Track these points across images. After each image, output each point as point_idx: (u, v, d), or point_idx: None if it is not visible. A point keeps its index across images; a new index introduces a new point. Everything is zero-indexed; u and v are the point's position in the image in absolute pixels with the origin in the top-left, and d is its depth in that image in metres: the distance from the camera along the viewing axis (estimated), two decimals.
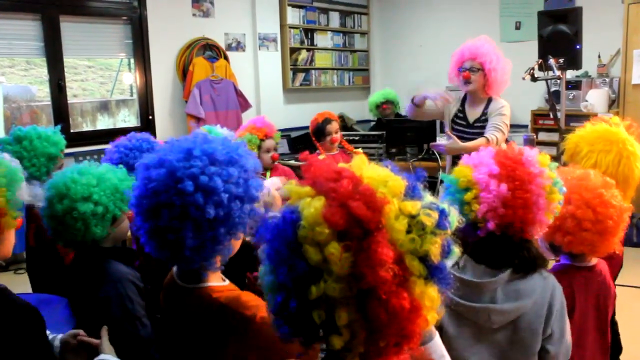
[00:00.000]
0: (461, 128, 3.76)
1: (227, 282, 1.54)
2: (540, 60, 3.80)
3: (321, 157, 4.07)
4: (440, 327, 1.62)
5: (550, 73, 3.88)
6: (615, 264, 2.19)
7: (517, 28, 6.66)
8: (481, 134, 3.62)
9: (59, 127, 2.95)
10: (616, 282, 2.17)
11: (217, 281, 1.50)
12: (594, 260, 1.87)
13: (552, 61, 3.74)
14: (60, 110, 5.29)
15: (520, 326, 1.57)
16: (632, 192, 2.22)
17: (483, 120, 3.67)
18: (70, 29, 5.29)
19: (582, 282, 1.82)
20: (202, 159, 1.36)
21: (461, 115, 3.80)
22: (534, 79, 3.81)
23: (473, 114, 3.74)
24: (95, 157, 5.04)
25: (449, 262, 1.68)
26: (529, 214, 1.52)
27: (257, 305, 1.38)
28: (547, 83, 3.95)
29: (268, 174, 3.72)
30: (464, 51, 3.63)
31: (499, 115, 3.59)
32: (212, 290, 1.45)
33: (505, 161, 1.56)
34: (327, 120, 4.10)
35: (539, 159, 1.58)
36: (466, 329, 1.61)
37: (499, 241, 1.56)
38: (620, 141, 2.17)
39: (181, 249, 1.35)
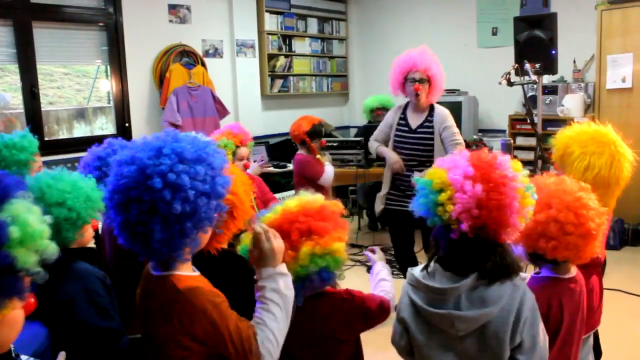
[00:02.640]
0: (403, 134, 3.90)
1: (197, 273, 1.60)
2: (517, 65, 3.83)
3: (318, 156, 4.31)
4: (409, 335, 1.66)
5: (527, 78, 3.91)
6: (597, 266, 2.19)
7: (494, 34, 6.72)
8: (423, 139, 3.81)
9: (27, 129, 2.93)
10: None
11: (186, 271, 1.57)
12: (573, 271, 1.86)
13: (527, 66, 3.79)
14: (34, 117, 5.18)
15: (487, 334, 1.55)
16: (619, 192, 2.23)
17: (426, 126, 3.84)
18: (44, 35, 5.19)
19: (569, 294, 1.81)
20: (171, 157, 1.45)
21: (403, 122, 3.93)
22: (510, 83, 3.85)
23: (415, 120, 3.89)
24: (69, 165, 4.95)
25: (418, 267, 1.68)
26: (503, 216, 1.52)
27: (214, 299, 1.48)
28: (523, 88, 3.99)
29: None
30: (415, 62, 3.73)
31: (450, 127, 3.77)
32: (177, 279, 1.53)
33: (480, 163, 1.57)
34: (322, 124, 4.30)
35: (512, 164, 1.59)
36: (435, 337, 1.61)
37: (471, 245, 1.56)
38: (611, 142, 2.18)
39: (150, 241, 1.44)
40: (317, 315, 1.77)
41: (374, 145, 4.09)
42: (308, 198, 1.80)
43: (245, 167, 3.65)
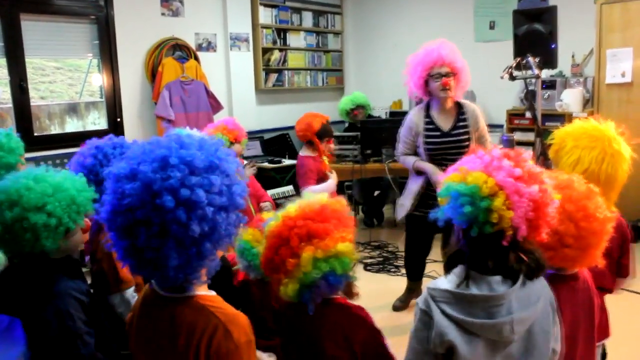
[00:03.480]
0: (436, 140, 3.57)
1: (214, 293, 1.45)
2: (519, 59, 3.73)
3: (325, 158, 4.20)
4: (451, 348, 1.47)
5: (529, 72, 3.81)
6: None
7: (492, 28, 6.63)
8: (460, 142, 3.54)
9: (10, 129, 2.71)
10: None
11: (204, 291, 1.42)
12: (575, 269, 1.77)
13: (530, 59, 3.68)
14: (23, 112, 5.07)
15: (535, 330, 1.48)
16: (615, 194, 2.14)
17: (460, 126, 3.56)
18: (32, 28, 5.07)
19: (569, 292, 1.72)
20: (181, 168, 1.26)
21: (431, 126, 3.60)
22: (512, 77, 3.75)
23: (446, 121, 3.59)
24: (58, 161, 4.86)
25: (452, 282, 1.54)
26: (547, 215, 1.44)
27: (249, 337, 1.34)
28: (525, 82, 3.89)
29: None
30: (440, 54, 3.44)
31: (484, 126, 3.59)
32: (204, 299, 1.37)
33: (520, 162, 1.46)
34: (329, 122, 4.20)
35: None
36: (479, 347, 1.46)
37: (515, 247, 1.45)
38: (605, 138, 2.09)
39: (162, 268, 1.26)
40: (323, 322, 1.65)
41: (408, 160, 3.70)
42: (308, 200, 1.68)
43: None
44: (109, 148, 2.35)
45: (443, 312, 1.47)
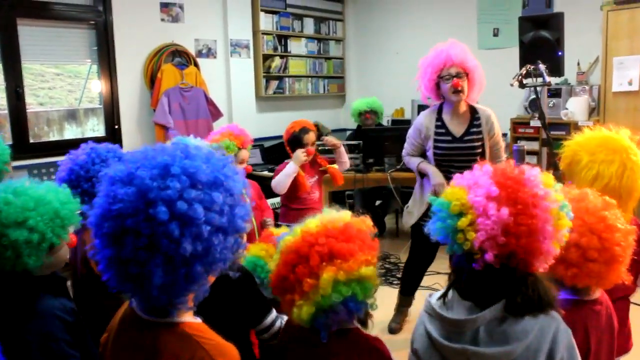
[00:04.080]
0: (447, 145, 3.44)
1: (200, 320, 1.31)
2: (529, 66, 3.63)
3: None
4: (415, 354, 1.48)
5: (538, 79, 3.70)
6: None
7: (495, 35, 6.54)
8: (472, 149, 3.41)
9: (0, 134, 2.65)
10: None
11: (189, 318, 1.28)
12: (597, 292, 1.67)
13: (542, 66, 3.57)
14: (19, 118, 4.98)
15: None
16: (634, 203, 2.04)
17: (473, 132, 3.42)
18: (29, 34, 4.98)
19: (594, 317, 1.61)
20: (182, 179, 1.15)
21: (442, 130, 3.47)
22: (522, 85, 3.64)
23: (458, 126, 3.45)
24: (52, 169, 4.76)
25: (435, 295, 1.49)
26: (534, 243, 1.31)
27: None
28: (535, 90, 3.77)
29: None
30: (449, 54, 3.32)
31: (499, 132, 3.47)
32: (190, 327, 1.24)
33: (506, 181, 1.35)
34: (305, 130, 3.81)
35: (542, 178, 1.38)
36: None
37: (497, 275, 1.35)
38: (623, 150, 1.98)
39: (146, 285, 1.14)
40: (337, 354, 1.50)
41: (412, 161, 3.61)
42: (331, 216, 1.54)
43: (247, 170, 3.41)
44: (103, 150, 2.32)
45: (423, 323, 1.48)
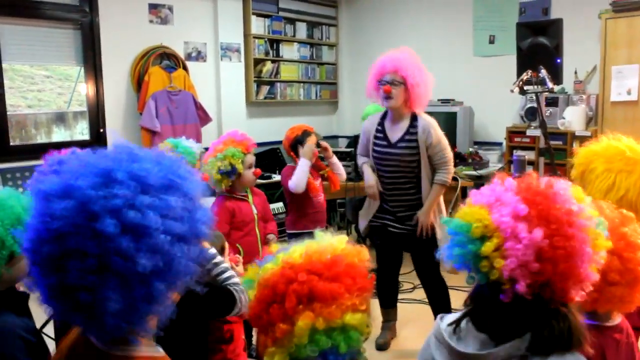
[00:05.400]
0: (382, 149, 3.48)
1: (161, 351, 1.15)
2: (531, 72, 3.51)
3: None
4: None
5: (539, 87, 3.58)
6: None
7: (491, 42, 6.43)
8: (405, 155, 3.41)
9: None
10: None
11: (149, 348, 1.11)
12: (617, 317, 1.52)
13: (544, 72, 3.45)
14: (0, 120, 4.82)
15: None
16: None
17: (407, 140, 3.41)
18: (10, 33, 4.82)
19: (613, 346, 1.46)
20: (130, 185, 1.00)
21: (381, 135, 3.51)
22: (522, 91, 3.53)
23: (395, 132, 3.47)
24: (27, 174, 4.59)
25: (445, 320, 1.32)
26: (573, 269, 1.13)
27: None
28: (537, 97, 3.66)
29: (249, 193, 3.37)
30: (385, 63, 3.40)
31: (438, 144, 3.39)
32: None
33: (534, 197, 1.16)
34: (307, 133, 3.81)
35: (573, 192, 1.20)
36: None
37: (526, 307, 1.15)
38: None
39: (99, 313, 0.97)
40: None
41: (359, 161, 3.72)
42: (319, 245, 1.28)
43: (256, 174, 3.31)
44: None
45: (430, 347, 1.33)
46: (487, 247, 1.14)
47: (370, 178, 3.52)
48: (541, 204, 1.15)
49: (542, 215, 1.14)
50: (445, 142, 3.45)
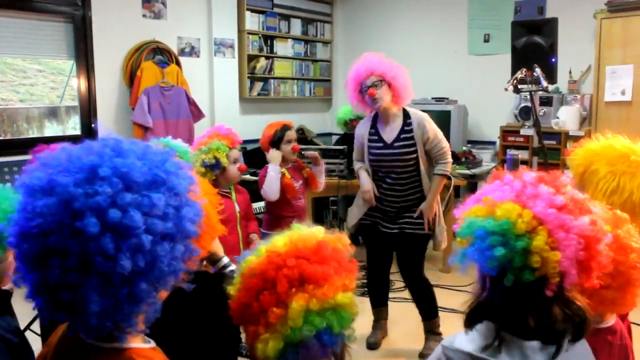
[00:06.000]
0: (379, 151, 3.47)
1: (153, 344, 1.13)
2: (525, 70, 3.48)
3: (283, 170, 3.66)
4: None
5: (534, 86, 3.55)
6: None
7: (486, 41, 6.42)
8: (403, 154, 3.39)
9: None
10: None
11: (139, 342, 1.10)
12: (611, 319, 1.50)
13: (538, 70, 3.43)
14: None
15: None
16: None
17: (404, 138, 3.40)
18: (2, 26, 4.76)
19: (606, 348, 1.44)
20: (113, 182, 0.97)
21: (375, 137, 3.50)
22: (517, 90, 3.50)
23: (390, 132, 3.46)
24: (16, 169, 4.55)
25: (474, 343, 1.18)
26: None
27: None
28: (531, 96, 3.64)
29: (232, 190, 3.31)
30: (359, 71, 3.40)
31: (435, 137, 3.39)
32: (138, 354, 1.06)
33: (561, 188, 1.18)
34: (286, 127, 3.71)
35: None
36: None
37: (556, 301, 1.15)
38: None
39: (83, 312, 0.97)
40: None
41: (355, 166, 3.69)
42: (301, 233, 1.31)
43: (241, 170, 3.25)
44: None
45: None
46: (539, 241, 1.11)
47: (366, 182, 3.51)
48: (568, 194, 1.17)
49: (576, 204, 1.15)
50: (440, 134, 3.45)
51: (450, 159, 3.48)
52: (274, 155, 3.61)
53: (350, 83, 3.47)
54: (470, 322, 1.23)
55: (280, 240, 1.28)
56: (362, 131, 3.58)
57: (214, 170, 3.12)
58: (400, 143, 3.40)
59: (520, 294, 1.15)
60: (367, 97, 3.36)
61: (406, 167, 3.42)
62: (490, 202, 1.20)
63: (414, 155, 3.39)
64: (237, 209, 3.28)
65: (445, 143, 3.45)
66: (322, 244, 1.27)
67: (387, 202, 3.50)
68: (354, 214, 3.66)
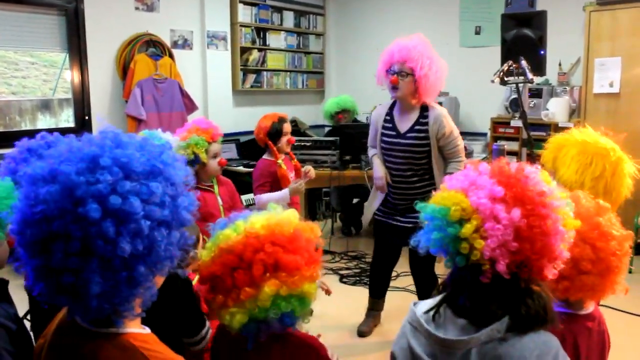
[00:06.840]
0: (390, 139, 3.39)
1: (148, 330, 1.18)
2: (512, 62, 3.53)
3: (279, 161, 3.71)
4: None
5: (521, 77, 3.61)
6: None
7: (477, 33, 6.47)
8: (414, 146, 3.32)
9: None
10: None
11: (136, 327, 1.16)
12: (590, 306, 1.54)
13: (524, 63, 3.47)
14: None
15: None
16: (615, 208, 1.95)
17: (417, 130, 3.32)
18: None
19: (585, 334, 1.48)
20: (113, 171, 1.03)
21: (389, 125, 3.42)
22: (503, 82, 3.54)
23: (404, 122, 3.38)
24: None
25: (422, 305, 1.33)
26: (548, 246, 1.18)
27: None
28: (517, 88, 3.67)
29: (215, 182, 3.33)
30: (394, 52, 3.28)
31: (450, 134, 3.30)
32: (135, 339, 1.11)
33: (508, 180, 1.21)
34: (283, 120, 3.72)
35: (541, 176, 1.25)
36: None
37: (503, 288, 1.20)
38: (611, 149, 1.93)
39: (83, 295, 1.02)
40: (269, 356, 1.44)
41: (370, 152, 3.62)
42: (278, 217, 1.43)
43: (221, 164, 3.24)
44: (44, 149, 1.97)
45: (406, 336, 1.35)
46: (467, 229, 1.17)
47: (379, 170, 3.44)
48: (515, 186, 1.20)
49: (518, 196, 1.19)
50: (456, 131, 3.37)
51: (464, 158, 3.39)
52: (297, 188, 3.64)
53: (382, 57, 3.35)
54: (440, 289, 1.35)
55: (258, 222, 1.39)
56: (377, 117, 3.50)
57: (193, 165, 3.08)
58: (413, 134, 3.32)
59: (460, 276, 1.25)
60: (389, 82, 3.29)
61: (415, 159, 3.34)
62: (443, 189, 1.28)
63: (426, 149, 3.32)
64: (220, 201, 3.27)
65: (460, 141, 3.37)
66: (298, 233, 1.40)
67: (396, 194, 3.45)
68: (368, 208, 3.62)
